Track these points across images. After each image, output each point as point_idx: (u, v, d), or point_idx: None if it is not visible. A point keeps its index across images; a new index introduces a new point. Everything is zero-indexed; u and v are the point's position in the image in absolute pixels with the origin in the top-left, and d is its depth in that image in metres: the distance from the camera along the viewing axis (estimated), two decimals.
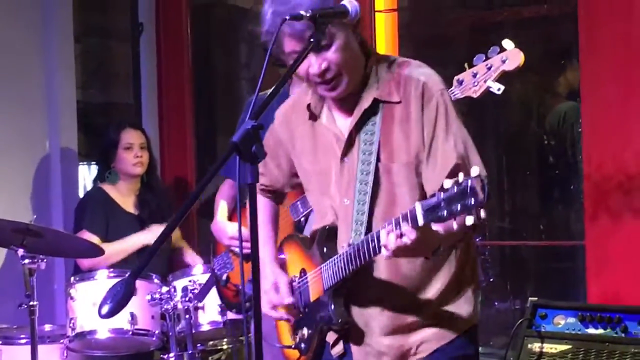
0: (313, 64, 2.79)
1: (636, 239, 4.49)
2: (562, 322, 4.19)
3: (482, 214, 2.36)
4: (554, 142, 5.87)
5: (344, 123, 2.93)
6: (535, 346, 4.18)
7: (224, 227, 4.12)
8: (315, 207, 3.10)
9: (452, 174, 2.65)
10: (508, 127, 6.30)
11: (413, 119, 2.82)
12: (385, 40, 5.42)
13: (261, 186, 3.22)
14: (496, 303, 6.02)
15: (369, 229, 2.83)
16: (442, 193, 2.42)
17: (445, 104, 2.83)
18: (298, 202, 3.75)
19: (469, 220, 2.36)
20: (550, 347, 4.15)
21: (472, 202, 2.35)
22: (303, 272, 3.06)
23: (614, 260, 4.54)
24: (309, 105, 2.99)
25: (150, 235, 5.04)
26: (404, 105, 2.84)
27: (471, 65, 3.67)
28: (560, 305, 4.25)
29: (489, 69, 3.62)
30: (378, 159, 2.85)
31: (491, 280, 5.89)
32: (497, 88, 3.61)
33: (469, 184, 2.35)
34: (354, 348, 2.98)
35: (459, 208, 2.37)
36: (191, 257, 5.35)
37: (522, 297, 5.71)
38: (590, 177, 4.63)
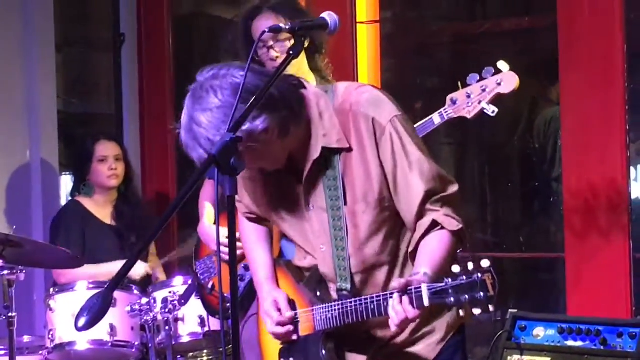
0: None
1: (615, 252, 4.50)
2: (542, 334, 4.19)
3: (491, 308, 2.40)
4: (537, 153, 5.89)
5: (298, 174, 2.88)
6: (515, 358, 4.19)
7: (212, 232, 4.09)
8: (295, 243, 3.05)
9: (425, 200, 2.73)
10: (490, 138, 6.31)
11: (370, 157, 2.78)
12: (367, 51, 5.42)
13: (244, 213, 3.16)
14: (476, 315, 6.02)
15: (353, 271, 2.84)
16: (450, 279, 2.45)
17: (398, 133, 2.76)
18: None
19: (476, 311, 2.42)
20: (530, 359, 4.16)
21: (482, 297, 2.39)
22: (292, 303, 3.02)
23: (594, 272, 4.56)
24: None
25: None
26: (358, 146, 2.78)
27: (464, 85, 3.68)
28: (539, 318, 4.25)
29: (484, 90, 3.65)
30: (345, 203, 2.82)
31: None
32: (492, 110, 3.64)
33: (480, 277, 2.40)
34: None
35: (466, 298, 2.41)
36: (161, 275, 5.29)
37: (503, 309, 5.71)
38: (570, 190, 4.65)
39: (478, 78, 3.68)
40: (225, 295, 3.87)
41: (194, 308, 4.40)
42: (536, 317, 4.26)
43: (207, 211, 4.16)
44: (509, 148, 6.17)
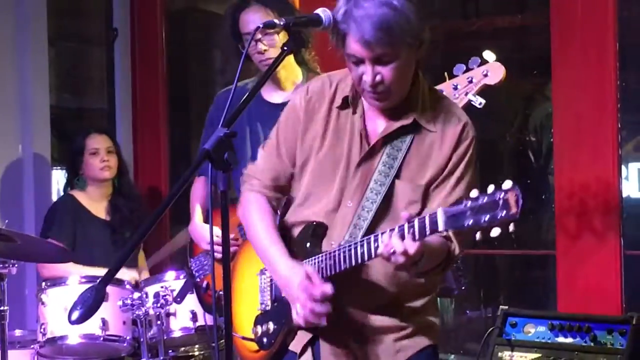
0: (368, 73, 2.77)
1: (606, 249, 4.52)
2: (532, 330, 4.21)
3: (511, 227, 2.33)
4: (529, 149, 5.90)
5: (374, 127, 2.92)
6: (506, 354, 4.21)
7: (203, 231, 4.10)
8: (305, 195, 2.98)
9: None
10: (481, 134, 6.32)
11: (444, 150, 2.86)
12: None
13: (269, 182, 3.05)
14: (468, 311, 6.04)
15: (366, 236, 2.80)
16: (469, 202, 2.40)
17: (473, 151, 2.89)
18: None
19: (495, 232, 2.34)
20: (520, 356, 4.17)
21: (503, 215, 2.32)
22: None
23: (585, 269, 4.57)
24: (346, 97, 2.94)
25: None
26: (439, 135, 2.87)
27: (451, 76, 3.67)
28: (530, 314, 4.27)
29: (470, 81, 3.63)
30: (397, 176, 2.86)
31: (463, 288, 5.90)
32: (479, 102, 3.62)
33: (502, 196, 2.33)
34: (324, 348, 2.95)
35: (487, 218, 2.34)
36: (145, 275, 5.27)
37: (495, 306, 5.72)
38: (561, 187, 4.66)
39: (464, 69, 3.66)
40: (219, 292, 3.90)
41: (186, 303, 4.40)
42: (527, 314, 4.28)
43: (198, 210, 4.17)
44: (500, 145, 6.18)
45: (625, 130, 4.70)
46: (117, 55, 6.28)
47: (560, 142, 4.72)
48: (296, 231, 2.99)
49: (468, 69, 3.65)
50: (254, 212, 3.04)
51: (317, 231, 2.92)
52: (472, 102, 3.62)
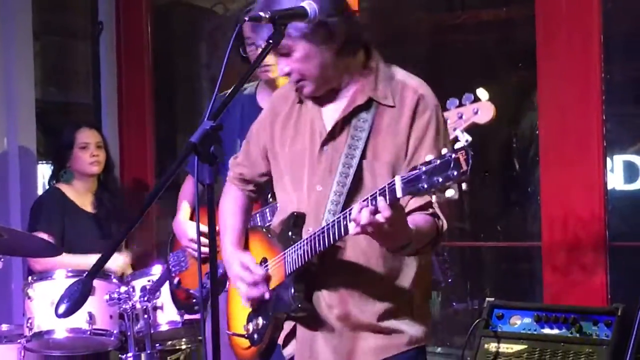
0: (278, 65, 2.88)
1: (592, 241, 4.54)
2: (519, 322, 4.23)
3: (464, 186, 2.37)
4: (515, 142, 5.92)
5: (331, 113, 2.96)
6: (492, 346, 4.22)
7: (185, 228, 4.12)
8: (281, 194, 3.08)
9: None
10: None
11: (403, 123, 2.87)
12: None
13: (240, 176, 3.23)
14: (454, 303, 6.06)
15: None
16: (423, 166, 2.42)
17: (438, 119, 2.90)
18: (267, 210, 3.74)
19: (449, 192, 2.37)
20: (507, 347, 4.19)
21: (455, 174, 2.35)
22: (264, 260, 3.06)
23: (570, 261, 4.59)
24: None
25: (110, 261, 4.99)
26: (397, 109, 2.88)
27: (444, 109, 3.70)
28: (516, 306, 4.29)
29: (460, 117, 3.69)
30: (363, 156, 2.88)
31: (450, 280, 5.92)
32: (465, 140, 3.65)
33: (453, 156, 2.36)
34: (301, 336, 2.98)
35: (440, 180, 2.37)
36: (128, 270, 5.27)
37: (481, 298, 5.74)
38: (547, 179, 4.68)
39: (457, 103, 3.71)
40: (192, 291, 3.91)
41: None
42: (513, 306, 4.30)
43: (184, 207, 4.19)
44: (486, 137, 6.19)
45: (610, 122, 4.72)
46: (103, 49, 6.27)
47: (545, 134, 4.73)
48: (280, 224, 3.04)
49: (460, 105, 3.70)
50: (225, 202, 3.25)
51: (297, 221, 2.96)
52: (458, 139, 3.65)
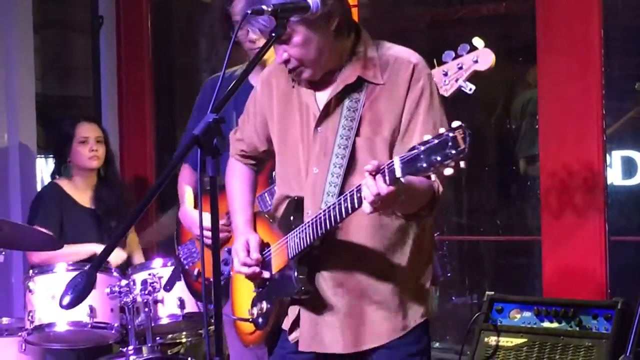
0: (276, 53, 2.89)
1: (591, 235, 4.55)
2: (518, 316, 4.24)
3: (462, 164, 2.38)
4: (514, 136, 5.93)
5: (322, 93, 2.98)
6: (492, 340, 4.24)
7: (195, 216, 4.10)
8: (281, 173, 3.11)
9: None
10: (465, 121, 6.35)
11: (397, 97, 2.89)
12: None
13: (241, 152, 3.27)
14: (454, 298, 6.08)
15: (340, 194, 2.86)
16: (422, 146, 2.44)
17: (430, 88, 2.91)
18: (266, 194, 3.74)
19: (448, 171, 2.39)
20: (506, 341, 4.20)
21: (453, 152, 2.37)
22: (267, 246, 3.08)
23: (570, 255, 4.60)
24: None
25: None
26: (389, 86, 2.90)
27: (440, 63, 3.68)
28: (516, 300, 4.30)
29: (460, 68, 3.65)
30: (357, 134, 2.90)
31: (449, 275, 5.94)
32: (469, 88, 3.64)
33: (450, 135, 2.38)
34: (305, 320, 2.99)
35: (438, 158, 2.39)
36: (139, 259, 5.29)
37: (480, 292, 5.76)
38: (547, 173, 4.69)
39: (454, 55, 3.68)
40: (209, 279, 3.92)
41: (174, 290, 4.41)
42: (513, 299, 4.31)
43: (188, 195, 4.17)
44: (485, 131, 6.21)
45: (610, 116, 4.73)
46: (103, 43, 6.26)
47: (545, 128, 4.74)
48: (281, 207, 3.08)
49: (457, 56, 3.67)
50: (232, 179, 3.29)
51: (298, 205, 2.99)
52: (462, 89, 3.64)
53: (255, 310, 3.10)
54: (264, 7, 2.71)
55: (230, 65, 2.91)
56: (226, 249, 3.68)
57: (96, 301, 4.41)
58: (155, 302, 4.45)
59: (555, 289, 4.60)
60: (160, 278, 4.41)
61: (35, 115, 5.86)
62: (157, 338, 4.51)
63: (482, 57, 3.63)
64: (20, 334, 4.55)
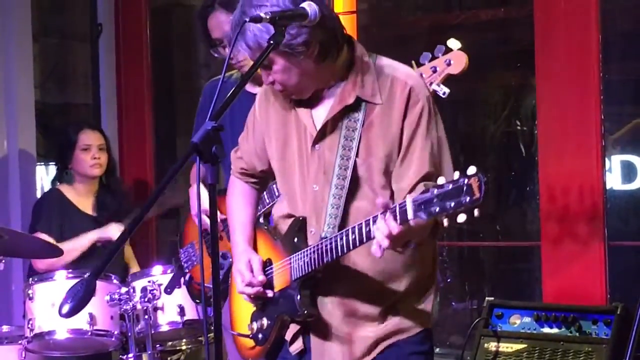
0: (262, 75, 2.89)
1: (591, 240, 4.55)
2: (518, 321, 4.24)
3: (476, 212, 2.37)
4: (514, 141, 5.92)
5: (320, 112, 2.96)
6: (492, 345, 4.24)
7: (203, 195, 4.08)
8: (282, 191, 3.11)
9: (424, 178, 2.76)
10: (464, 127, 6.35)
11: (394, 119, 2.86)
12: None
13: (241, 170, 3.25)
14: (453, 303, 6.07)
15: (343, 221, 2.86)
16: (435, 189, 2.43)
17: (429, 110, 2.88)
18: (273, 185, 3.74)
19: (461, 217, 2.38)
20: (506, 347, 4.20)
21: (467, 200, 2.36)
22: (269, 261, 3.08)
23: (569, 261, 4.60)
24: None
25: (102, 232, 5.02)
26: (387, 105, 2.88)
27: (419, 64, 3.66)
28: (516, 305, 4.30)
29: (434, 71, 3.62)
30: (357, 155, 2.89)
31: (449, 280, 5.93)
32: (443, 92, 3.61)
33: (466, 182, 2.37)
34: (314, 341, 3.00)
35: (452, 205, 2.38)
36: (134, 267, 5.29)
37: (480, 297, 5.75)
38: (546, 179, 4.69)
39: (430, 57, 3.65)
40: (206, 285, 3.93)
41: (174, 297, 4.42)
42: (513, 305, 4.31)
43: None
44: (484, 137, 6.20)
45: (608, 122, 4.73)
46: (102, 50, 6.27)
47: (544, 134, 4.74)
48: (283, 226, 3.06)
49: (434, 57, 3.64)
50: (233, 197, 3.27)
51: (302, 226, 2.98)
52: (436, 92, 3.61)
53: (255, 326, 3.09)
54: (262, 15, 2.71)
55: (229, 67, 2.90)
56: (220, 253, 3.68)
57: (96, 309, 4.42)
58: (155, 309, 4.46)
59: (555, 295, 4.60)
60: (160, 285, 4.42)
61: (34, 123, 5.87)
62: (157, 345, 4.52)
63: (455, 59, 3.60)
64: (20, 341, 4.55)
